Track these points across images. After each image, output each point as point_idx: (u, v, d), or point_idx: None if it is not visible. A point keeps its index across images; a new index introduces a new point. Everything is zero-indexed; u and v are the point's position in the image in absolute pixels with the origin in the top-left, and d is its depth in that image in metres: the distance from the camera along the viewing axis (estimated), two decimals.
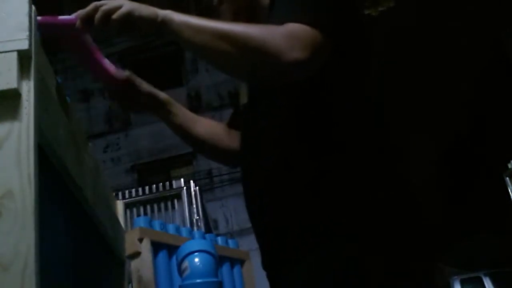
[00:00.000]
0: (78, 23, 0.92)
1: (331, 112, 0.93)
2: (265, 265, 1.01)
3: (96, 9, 0.91)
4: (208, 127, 1.22)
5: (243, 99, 1.14)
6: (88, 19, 0.92)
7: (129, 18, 0.90)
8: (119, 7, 0.90)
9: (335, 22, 0.90)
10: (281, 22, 0.87)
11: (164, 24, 0.90)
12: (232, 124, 1.22)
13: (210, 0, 1.07)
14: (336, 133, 0.92)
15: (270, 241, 0.98)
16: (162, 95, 1.18)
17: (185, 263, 1.77)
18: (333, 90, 0.94)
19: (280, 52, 0.83)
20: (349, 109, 0.94)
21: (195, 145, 1.23)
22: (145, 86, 1.15)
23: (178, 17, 0.90)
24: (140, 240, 2.04)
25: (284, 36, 0.85)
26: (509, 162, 5.87)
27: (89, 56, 1.05)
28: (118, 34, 0.93)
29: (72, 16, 0.94)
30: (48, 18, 0.91)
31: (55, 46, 1.02)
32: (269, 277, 1.00)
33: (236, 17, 1.05)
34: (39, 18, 0.74)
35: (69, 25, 0.94)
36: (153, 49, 11.01)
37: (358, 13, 1.04)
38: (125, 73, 1.11)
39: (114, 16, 0.89)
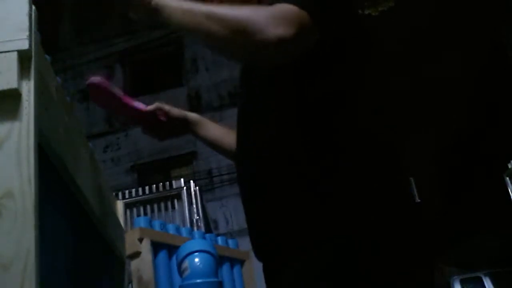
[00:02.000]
0: None
1: (329, 110, 0.93)
2: (259, 257, 1.00)
3: None
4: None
5: None
6: None
7: None
8: None
9: (327, 10, 0.91)
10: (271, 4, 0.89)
11: (158, 7, 0.93)
12: None
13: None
14: (333, 132, 0.91)
15: (264, 239, 0.97)
16: (191, 115, 1.24)
17: (185, 263, 1.77)
18: (331, 89, 0.93)
19: (264, 27, 0.84)
20: (348, 108, 0.93)
21: (229, 157, 1.27)
22: (175, 110, 1.21)
23: (171, 1, 0.93)
24: (140, 240, 2.04)
25: (270, 13, 0.86)
26: (509, 162, 5.87)
27: (119, 103, 1.14)
28: (114, 10, 0.95)
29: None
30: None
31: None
32: (265, 268, 1.00)
33: None
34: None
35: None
36: (153, 49, 11.01)
37: (355, 12, 1.04)
38: (153, 105, 1.19)
39: None
